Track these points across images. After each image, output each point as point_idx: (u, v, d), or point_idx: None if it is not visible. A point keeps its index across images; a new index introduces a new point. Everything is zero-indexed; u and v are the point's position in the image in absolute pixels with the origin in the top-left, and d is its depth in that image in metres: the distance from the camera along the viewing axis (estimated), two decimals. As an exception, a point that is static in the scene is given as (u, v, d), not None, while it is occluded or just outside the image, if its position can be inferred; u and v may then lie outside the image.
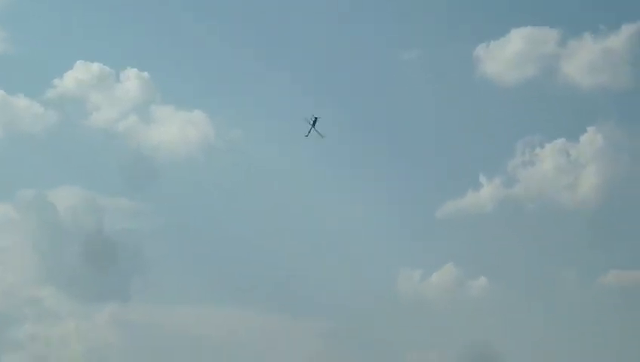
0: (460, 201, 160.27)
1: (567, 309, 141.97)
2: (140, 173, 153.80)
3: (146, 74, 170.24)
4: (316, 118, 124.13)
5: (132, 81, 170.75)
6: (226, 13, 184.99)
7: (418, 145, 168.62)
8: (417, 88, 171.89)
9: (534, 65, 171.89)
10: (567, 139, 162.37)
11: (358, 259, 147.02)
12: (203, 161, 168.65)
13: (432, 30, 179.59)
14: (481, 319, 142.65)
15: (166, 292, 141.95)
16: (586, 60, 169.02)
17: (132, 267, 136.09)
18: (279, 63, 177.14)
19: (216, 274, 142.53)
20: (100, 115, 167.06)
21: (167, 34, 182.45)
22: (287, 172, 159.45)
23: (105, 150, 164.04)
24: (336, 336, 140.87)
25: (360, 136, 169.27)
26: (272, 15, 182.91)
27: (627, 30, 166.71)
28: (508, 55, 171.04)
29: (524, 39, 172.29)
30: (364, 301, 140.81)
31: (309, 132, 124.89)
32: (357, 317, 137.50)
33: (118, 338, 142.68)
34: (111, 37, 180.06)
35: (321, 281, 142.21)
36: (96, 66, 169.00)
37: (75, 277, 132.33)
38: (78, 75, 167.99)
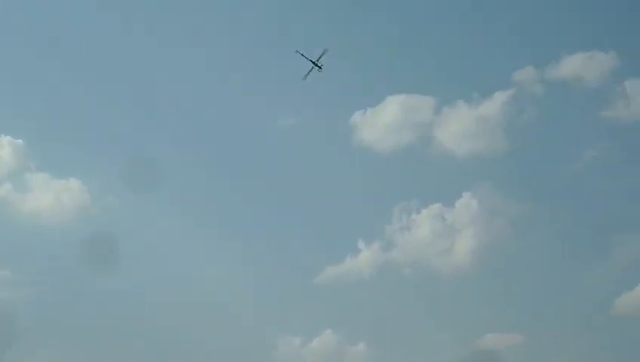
0: (339, 267, 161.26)
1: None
2: (15, 242, 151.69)
3: (20, 141, 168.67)
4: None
5: (5, 149, 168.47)
6: (100, 80, 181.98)
7: (296, 213, 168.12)
8: (294, 155, 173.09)
9: (410, 132, 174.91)
10: (443, 205, 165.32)
11: (236, 326, 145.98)
12: (79, 229, 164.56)
13: (309, 98, 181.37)
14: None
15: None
16: (460, 127, 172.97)
17: (6, 337, 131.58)
18: (154, 129, 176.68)
19: (94, 341, 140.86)
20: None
21: (42, 101, 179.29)
22: (162, 239, 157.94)
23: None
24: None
25: (237, 204, 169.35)
26: (145, 81, 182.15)
27: (500, 97, 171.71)
28: (384, 122, 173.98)
29: (400, 106, 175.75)
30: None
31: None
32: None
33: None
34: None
35: (198, 349, 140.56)
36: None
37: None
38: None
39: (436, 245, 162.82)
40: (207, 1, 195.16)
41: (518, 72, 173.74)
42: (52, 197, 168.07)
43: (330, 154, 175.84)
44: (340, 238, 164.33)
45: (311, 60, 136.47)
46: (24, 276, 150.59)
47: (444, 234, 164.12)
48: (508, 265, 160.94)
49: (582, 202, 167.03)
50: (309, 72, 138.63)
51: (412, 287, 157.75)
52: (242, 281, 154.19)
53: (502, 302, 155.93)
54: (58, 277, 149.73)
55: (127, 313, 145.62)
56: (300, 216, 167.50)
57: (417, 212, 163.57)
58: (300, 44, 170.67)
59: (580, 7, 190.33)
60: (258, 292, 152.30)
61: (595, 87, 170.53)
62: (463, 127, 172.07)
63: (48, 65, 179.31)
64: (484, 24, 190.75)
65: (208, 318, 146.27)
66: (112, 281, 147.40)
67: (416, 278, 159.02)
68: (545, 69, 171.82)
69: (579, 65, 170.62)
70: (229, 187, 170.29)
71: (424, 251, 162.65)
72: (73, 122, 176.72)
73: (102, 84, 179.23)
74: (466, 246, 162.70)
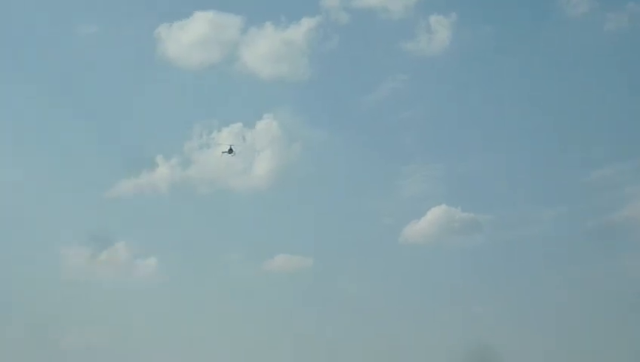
0: (134, 181, 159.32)
1: (234, 290, 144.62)
2: None
3: None
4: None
5: None
6: None
7: (93, 124, 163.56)
8: (93, 64, 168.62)
9: (216, 50, 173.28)
10: (244, 125, 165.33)
11: (22, 237, 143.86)
12: None
13: (112, 6, 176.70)
14: (149, 298, 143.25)
15: None
16: (265, 49, 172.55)
17: None
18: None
19: None
20: None
21: None
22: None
23: None
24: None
25: (32, 111, 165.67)
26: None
27: (306, 23, 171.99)
28: (190, 38, 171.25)
29: (208, 23, 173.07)
30: (27, 279, 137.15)
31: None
32: (18, 296, 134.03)
33: None
34: None
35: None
36: None
37: None
38: None
39: (235, 165, 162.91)
40: None
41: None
42: None
43: (132, 65, 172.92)
44: (136, 152, 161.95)
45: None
46: None
47: (243, 154, 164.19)
48: (303, 188, 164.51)
49: (377, 132, 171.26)
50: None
51: (207, 205, 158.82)
52: (33, 189, 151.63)
53: (295, 224, 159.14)
54: None
55: None
56: (96, 128, 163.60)
57: (218, 130, 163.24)
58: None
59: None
60: (46, 201, 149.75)
61: (399, 19, 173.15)
62: (268, 50, 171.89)
63: None
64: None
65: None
66: None
67: (213, 197, 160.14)
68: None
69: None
70: (25, 93, 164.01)
71: (222, 170, 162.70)
72: None
73: None
74: (264, 167, 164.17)
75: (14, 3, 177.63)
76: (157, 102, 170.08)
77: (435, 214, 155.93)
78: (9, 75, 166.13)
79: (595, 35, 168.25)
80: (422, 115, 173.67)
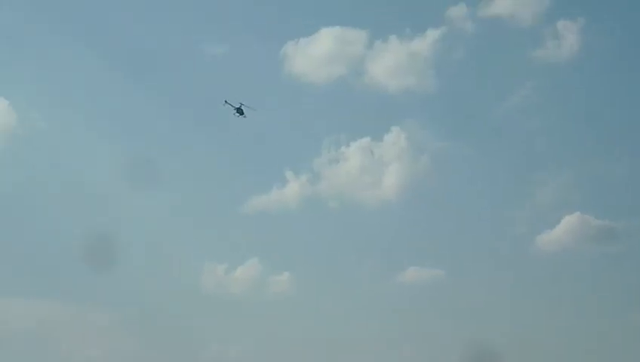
0: (265, 197, 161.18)
1: (366, 304, 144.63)
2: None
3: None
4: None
5: None
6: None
7: (225, 142, 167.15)
8: (224, 84, 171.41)
9: (342, 65, 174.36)
10: (372, 138, 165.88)
11: (162, 252, 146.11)
12: (4, 149, 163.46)
13: (239, 26, 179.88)
14: (283, 312, 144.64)
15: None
16: (391, 62, 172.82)
17: None
18: (90, 53, 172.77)
19: (19, 265, 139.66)
20: None
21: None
22: (87, 163, 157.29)
23: None
24: (138, 328, 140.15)
25: (165, 131, 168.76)
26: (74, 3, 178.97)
27: (432, 34, 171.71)
28: (316, 53, 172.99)
29: (333, 38, 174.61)
30: (168, 293, 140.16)
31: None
32: (160, 310, 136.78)
33: None
34: None
35: (125, 274, 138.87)
36: None
37: None
38: None
39: (363, 178, 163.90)
40: None
41: (451, 8, 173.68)
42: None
43: (259, 83, 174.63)
44: (267, 169, 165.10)
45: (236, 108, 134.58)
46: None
47: (371, 167, 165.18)
48: (432, 200, 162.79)
49: (507, 141, 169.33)
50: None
51: (337, 219, 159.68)
52: (168, 207, 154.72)
53: (425, 236, 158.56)
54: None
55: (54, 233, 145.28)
56: (228, 146, 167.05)
57: (346, 145, 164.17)
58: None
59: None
60: (184, 219, 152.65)
61: (526, 27, 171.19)
62: (394, 62, 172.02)
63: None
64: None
65: (135, 244, 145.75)
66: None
67: (342, 211, 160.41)
68: (478, 6, 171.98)
69: (511, 4, 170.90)
70: (157, 114, 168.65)
71: (351, 184, 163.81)
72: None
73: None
74: (393, 180, 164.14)
75: (147, 23, 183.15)
76: (285, 119, 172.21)
77: (569, 222, 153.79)
78: (141, 94, 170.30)
79: None
80: (553, 122, 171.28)
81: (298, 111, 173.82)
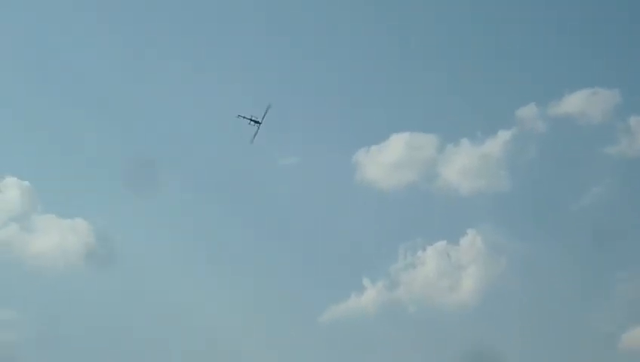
0: (343, 305, 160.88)
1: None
2: (21, 282, 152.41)
3: (26, 183, 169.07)
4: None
5: (12, 191, 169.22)
6: (107, 124, 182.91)
7: (300, 251, 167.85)
8: (297, 194, 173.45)
9: (414, 170, 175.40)
10: (448, 242, 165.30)
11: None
12: (85, 270, 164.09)
13: (310, 138, 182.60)
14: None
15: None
16: (464, 165, 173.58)
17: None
18: (164, 173, 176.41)
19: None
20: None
21: (48, 143, 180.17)
22: (168, 277, 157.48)
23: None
24: None
25: (241, 242, 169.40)
26: (152, 120, 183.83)
27: (503, 135, 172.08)
28: (388, 160, 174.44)
29: (404, 144, 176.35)
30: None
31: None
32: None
33: None
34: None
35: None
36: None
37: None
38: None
39: (441, 283, 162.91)
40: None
41: (521, 109, 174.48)
42: (58, 237, 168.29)
43: (332, 192, 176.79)
44: (344, 277, 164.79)
45: (250, 118, 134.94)
46: (29, 316, 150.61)
47: (448, 271, 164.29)
48: (513, 303, 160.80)
49: (586, 239, 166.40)
50: (255, 134, 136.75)
51: (417, 325, 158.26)
52: (245, 318, 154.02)
53: (506, 339, 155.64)
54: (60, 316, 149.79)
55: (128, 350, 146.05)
56: (303, 255, 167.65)
57: (422, 249, 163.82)
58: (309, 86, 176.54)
59: (582, 44, 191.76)
60: (261, 330, 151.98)
61: (598, 124, 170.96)
62: (466, 165, 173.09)
63: (51, 105, 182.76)
64: (487, 62, 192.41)
65: (210, 355, 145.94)
66: (116, 318, 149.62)
67: (421, 316, 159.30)
68: (548, 105, 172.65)
69: (582, 102, 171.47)
70: (233, 225, 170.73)
71: (429, 289, 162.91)
72: (78, 164, 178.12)
73: (109, 122, 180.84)
74: (471, 283, 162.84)
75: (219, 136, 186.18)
76: (360, 226, 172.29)
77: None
78: (215, 206, 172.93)
79: None
80: (632, 218, 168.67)
81: (372, 218, 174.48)
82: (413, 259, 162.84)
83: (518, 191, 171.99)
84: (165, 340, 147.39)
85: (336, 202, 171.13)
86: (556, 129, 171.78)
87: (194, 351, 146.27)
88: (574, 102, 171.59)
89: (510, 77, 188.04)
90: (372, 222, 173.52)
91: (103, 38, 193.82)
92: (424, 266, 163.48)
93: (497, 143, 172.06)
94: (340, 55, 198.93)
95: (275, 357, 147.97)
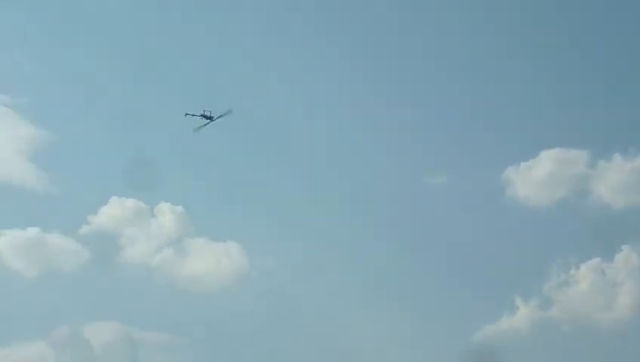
0: (496, 325, 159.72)
1: None
2: (175, 306, 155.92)
3: (180, 208, 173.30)
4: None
5: (166, 216, 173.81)
6: (258, 140, 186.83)
7: (451, 271, 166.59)
8: (446, 213, 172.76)
9: (565, 186, 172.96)
10: (602, 259, 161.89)
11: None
12: (238, 292, 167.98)
13: (458, 154, 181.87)
14: None
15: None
16: (616, 180, 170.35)
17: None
18: (313, 191, 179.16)
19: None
20: (135, 249, 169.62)
21: (201, 169, 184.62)
22: (319, 299, 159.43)
23: (140, 284, 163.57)
24: None
25: (391, 264, 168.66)
26: (300, 147, 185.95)
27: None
28: (538, 176, 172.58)
29: (554, 160, 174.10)
30: None
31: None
32: None
33: None
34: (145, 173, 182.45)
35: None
36: (130, 202, 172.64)
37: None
38: (113, 210, 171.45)
39: (596, 300, 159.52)
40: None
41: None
42: (211, 260, 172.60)
43: (482, 210, 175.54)
44: (496, 296, 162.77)
45: (202, 115, 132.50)
46: (184, 340, 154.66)
47: (603, 289, 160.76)
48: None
49: None
50: (202, 126, 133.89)
51: (572, 344, 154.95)
52: (402, 342, 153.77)
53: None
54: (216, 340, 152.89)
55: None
56: (452, 275, 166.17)
57: (576, 267, 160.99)
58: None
59: None
60: (415, 353, 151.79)
61: None
62: (619, 180, 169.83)
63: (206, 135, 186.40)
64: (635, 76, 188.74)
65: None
66: (272, 340, 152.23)
67: (576, 335, 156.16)
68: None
69: None
70: (383, 248, 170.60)
71: (584, 307, 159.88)
72: (232, 188, 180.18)
73: (259, 149, 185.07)
74: (627, 300, 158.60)
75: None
76: (511, 244, 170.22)
77: None
78: (366, 227, 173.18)
79: None
80: None
81: (523, 236, 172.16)
82: (567, 276, 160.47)
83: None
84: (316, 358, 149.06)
85: (486, 220, 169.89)
86: None
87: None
88: None
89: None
90: (523, 240, 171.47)
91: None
92: (578, 284, 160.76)
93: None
94: (487, 71, 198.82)
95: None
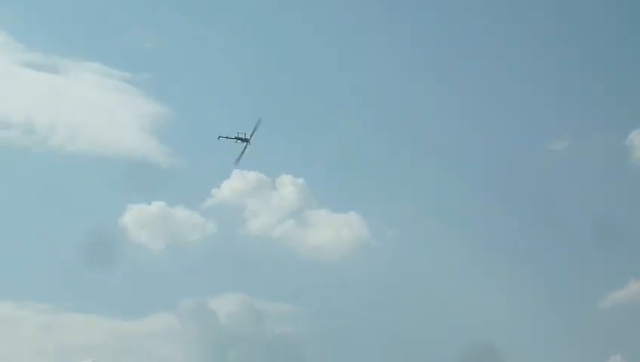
0: (623, 291, 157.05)
1: None
2: (298, 276, 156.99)
3: (301, 180, 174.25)
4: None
5: (288, 188, 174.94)
6: (378, 113, 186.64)
7: (574, 240, 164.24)
8: (568, 179, 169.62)
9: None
10: None
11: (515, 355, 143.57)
12: (359, 263, 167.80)
13: (581, 119, 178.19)
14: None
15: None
16: None
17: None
18: (434, 162, 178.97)
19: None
20: (257, 221, 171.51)
21: (321, 140, 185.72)
22: (441, 271, 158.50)
23: (263, 256, 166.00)
24: None
25: (515, 231, 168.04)
26: (422, 118, 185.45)
27: None
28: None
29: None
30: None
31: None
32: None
33: None
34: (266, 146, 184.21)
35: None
36: (252, 175, 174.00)
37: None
38: (235, 184, 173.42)
39: None
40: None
41: None
42: (332, 231, 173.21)
43: (604, 176, 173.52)
44: (623, 263, 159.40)
45: (236, 138, 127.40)
46: (307, 310, 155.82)
47: None
48: None
49: None
50: (242, 153, 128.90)
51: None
52: (522, 311, 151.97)
53: None
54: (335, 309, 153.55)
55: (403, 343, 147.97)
56: (577, 243, 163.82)
57: None
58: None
59: None
60: (539, 321, 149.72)
61: None
62: None
63: (326, 109, 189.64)
64: None
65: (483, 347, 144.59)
66: (392, 311, 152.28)
67: None
68: None
69: None
70: (505, 214, 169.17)
71: None
72: (352, 159, 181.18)
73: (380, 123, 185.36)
74: None
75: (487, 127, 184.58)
76: (635, 211, 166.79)
77: None
78: (484, 196, 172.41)
79: None
80: None
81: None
82: None
83: None
84: (437, 329, 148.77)
85: (608, 187, 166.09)
86: None
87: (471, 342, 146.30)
88: None
89: None
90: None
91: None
92: None
93: None
94: (610, 34, 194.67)
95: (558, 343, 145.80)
